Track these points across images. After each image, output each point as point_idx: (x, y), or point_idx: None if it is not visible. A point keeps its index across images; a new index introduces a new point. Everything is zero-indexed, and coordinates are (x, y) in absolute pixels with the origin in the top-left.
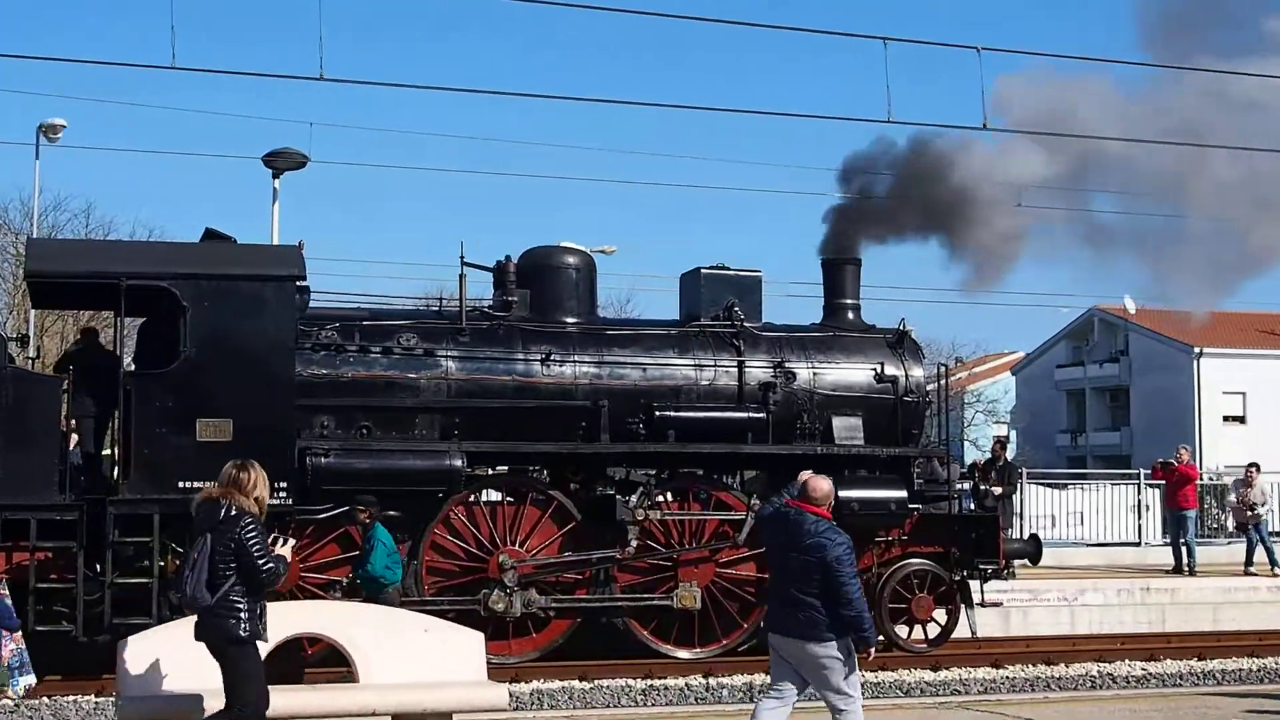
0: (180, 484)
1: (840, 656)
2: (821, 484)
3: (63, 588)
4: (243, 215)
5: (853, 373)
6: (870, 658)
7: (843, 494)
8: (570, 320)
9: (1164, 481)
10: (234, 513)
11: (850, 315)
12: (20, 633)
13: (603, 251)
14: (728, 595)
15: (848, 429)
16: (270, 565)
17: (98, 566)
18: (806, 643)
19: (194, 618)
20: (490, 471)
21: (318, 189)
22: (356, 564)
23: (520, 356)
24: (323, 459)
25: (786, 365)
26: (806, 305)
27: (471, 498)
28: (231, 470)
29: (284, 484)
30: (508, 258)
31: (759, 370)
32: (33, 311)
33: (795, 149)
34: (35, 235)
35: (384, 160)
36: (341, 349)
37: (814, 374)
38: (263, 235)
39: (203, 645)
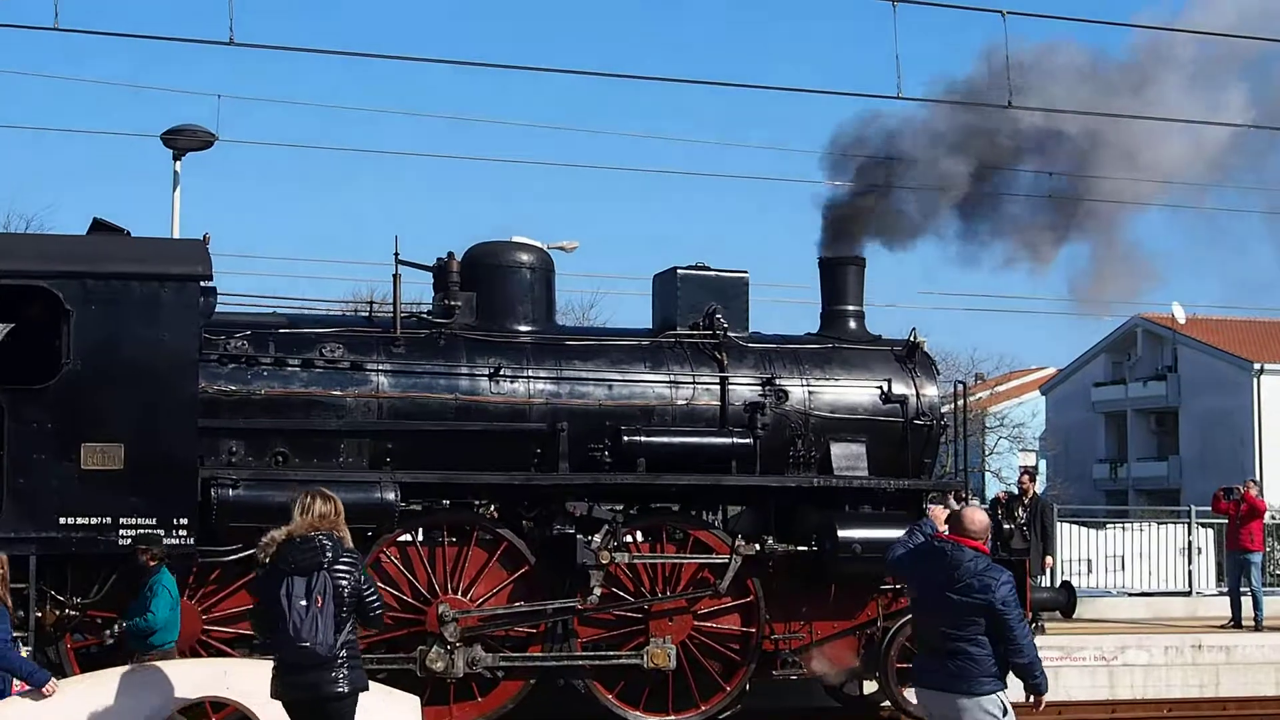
0: (61, 519)
1: (997, 714)
2: (979, 516)
3: None
4: (138, 204)
5: (855, 391)
6: (1042, 707)
7: (843, 534)
8: (523, 329)
9: (1225, 515)
10: (345, 548)
11: (852, 324)
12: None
13: (562, 248)
14: (707, 653)
15: (849, 457)
16: (381, 606)
17: None
18: (961, 696)
19: (131, 673)
20: (428, 506)
21: (227, 173)
22: (127, 612)
23: (464, 371)
24: (230, 491)
25: (777, 382)
26: (801, 312)
27: (406, 537)
28: (311, 501)
29: (184, 520)
30: (450, 255)
31: (745, 388)
32: None
33: (788, 129)
34: None
35: (305, 139)
36: (253, 361)
37: (809, 392)
38: (162, 227)
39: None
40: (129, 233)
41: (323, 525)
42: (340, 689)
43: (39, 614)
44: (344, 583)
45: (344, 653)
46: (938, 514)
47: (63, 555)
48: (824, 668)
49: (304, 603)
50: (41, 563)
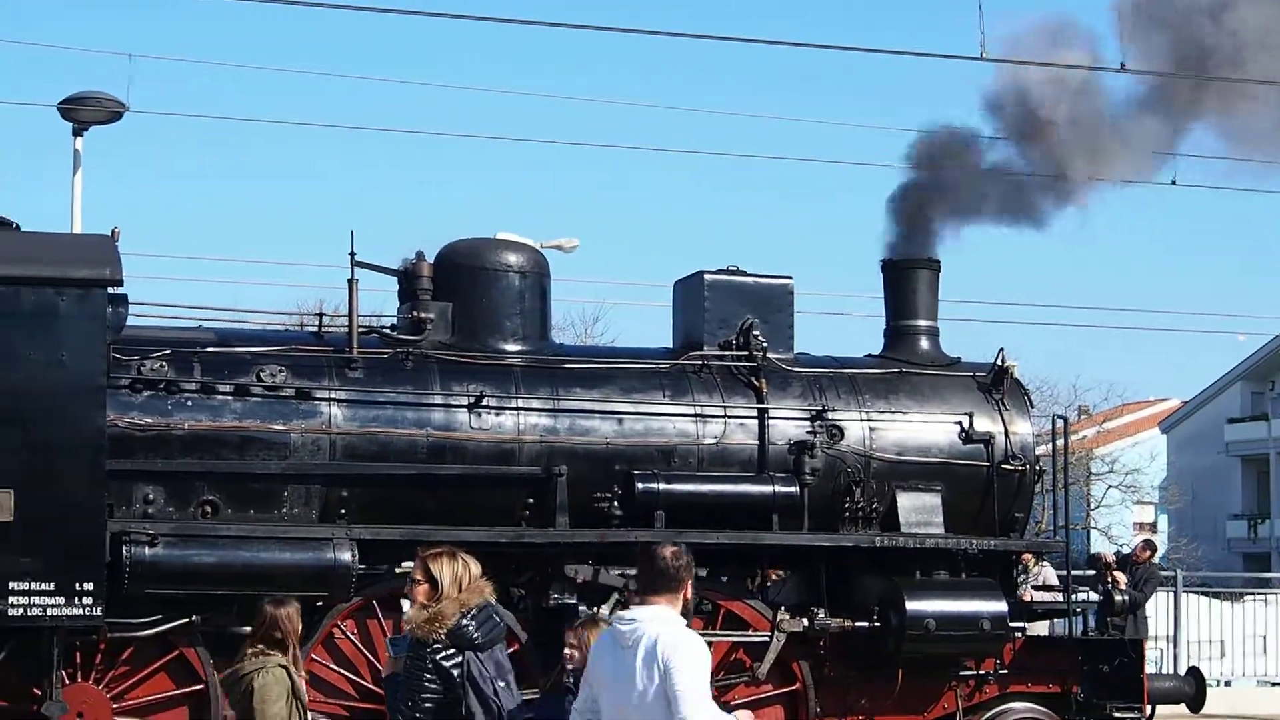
0: None
1: None
2: None
3: None
4: (28, 190)
5: (928, 428)
6: None
7: (913, 607)
8: (511, 348)
9: None
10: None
11: (924, 343)
12: None
13: (559, 247)
14: None
15: (920, 511)
16: None
17: None
18: None
19: None
20: (393, 569)
21: (140, 152)
22: None
23: (438, 401)
24: (147, 549)
25: (830, 416)
26: (859, 328)
27: (366, 607)
28: (465, 566)
29: (89, 585)
30: (419, 255)
31: (790, 423)
32: None
33: (847, 101)
34: None
35: (241, 111)
36: (175, 388)
37: (870, 429)
38: (59, 220)
39: None
40: (18, 226)
41: (486, 589)
42: None
43: None
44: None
45: None
46: None
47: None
48: None
49: (501, 684)
50: None
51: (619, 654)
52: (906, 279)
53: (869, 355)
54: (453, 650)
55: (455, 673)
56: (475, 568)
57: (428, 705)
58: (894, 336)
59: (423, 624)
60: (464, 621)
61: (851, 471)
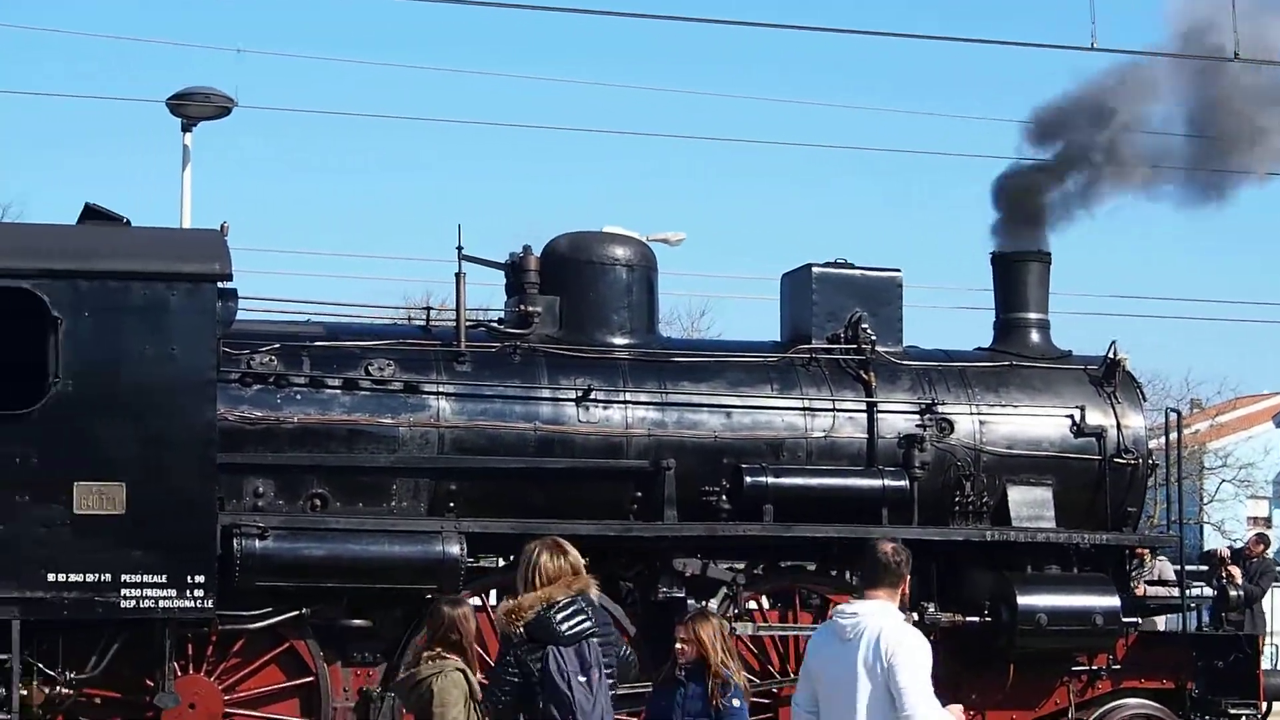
0: (50, 576)
1: None
2: None
3: None
4: (140, 186)
5: (1039, 421)
6: None
7: (1024, 601)
8: (619, 341)
9: None
10: (600, 609)
11: (1034, 336)
12: None
13: (665, 241)
14: None
15: (1031, 505)
16: (635, 660)
17: None
18: None
19: None
20: (501, 562)
21: (248, 147)
22: None
23: (546, 394)
24: (257, 542)
25: (940, 409)
26: (969, 321)
27: (474, 601)
28: (558, 558)
29: (200, 578)
30: (526, 249)
31: (899, 416)
32: None
33: (956, 93)
34: None
35: (348, 106)
36: (284, 381)
37: (980, 422)
38: (169, 215)
39: None
40: (129, 222)
41: (578, 583)
42: None
43: (24, 692)
44: (609, 649)
45: None
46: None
47: (52, 620)
48: None
49: (582, 679)
50: (26, 629)
51: (839, 648)
52: (1017, 272)
53: (979, 348)
54: (533, 643)
55: (535, 666)
56: (562, 560)
57: (505, 698)
58: (1004, 330)
59: (502, 616)
60: (546, 615)
61: (961, 465)
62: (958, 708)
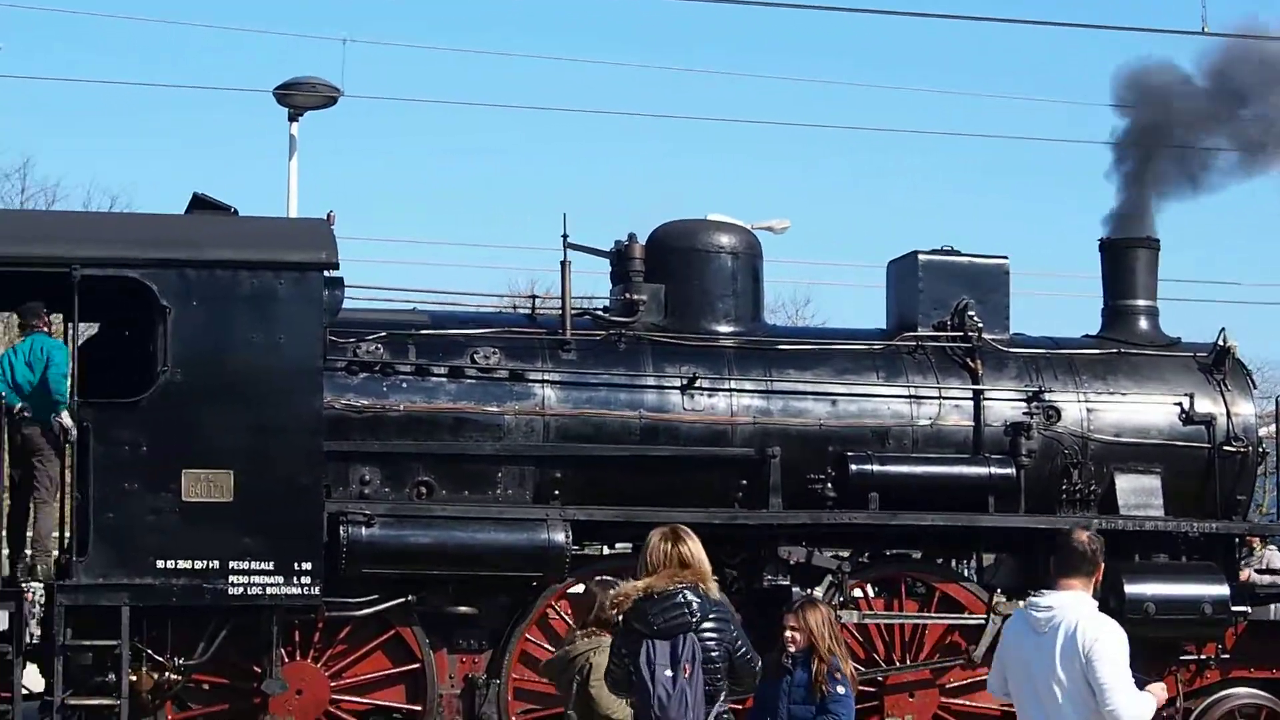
0: (159, 563)
1: None
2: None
3: None
4: (246, 175)
5: (1147, 409)
6: None
7: (1132, 590)
8: (724, 329)
9: None
10: (713, 601)
11: (1142, 323)
12: None
13: (770, 229)
14: None
15: (1139, 493)
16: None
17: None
18: None
19: None
20: (606, 550)
21: (354, 136)
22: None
23: (651, 382)
24: (364, 529)
25: (1047, 397)
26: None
27: (579, 588)
28: (671, 546)
29: (307, 565)
30: (632, 237)
31: (1006, 404)
32: None
33: (1064, 78)
34: None
35: (453, 94)
36: (390, 370)
37: (1088, 410)
38: (276, 205)
39: None
40: (236, 211)
41: (685, 575)
42: None
43: (133, 678)
44: (714, 645)
45: None
46: None
47: (162, 607)
48: None
49: (669, 673)
50: (136, 615)
51: (1036, 639)
52: (1125, 258)
53: (1086, 336)
54: (628, 633)
55: (627, 657)
56: (670, 547)
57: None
58: (1112, 316)
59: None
60: (641, 605)
61: (1069, 453)
62: (1159, 686)
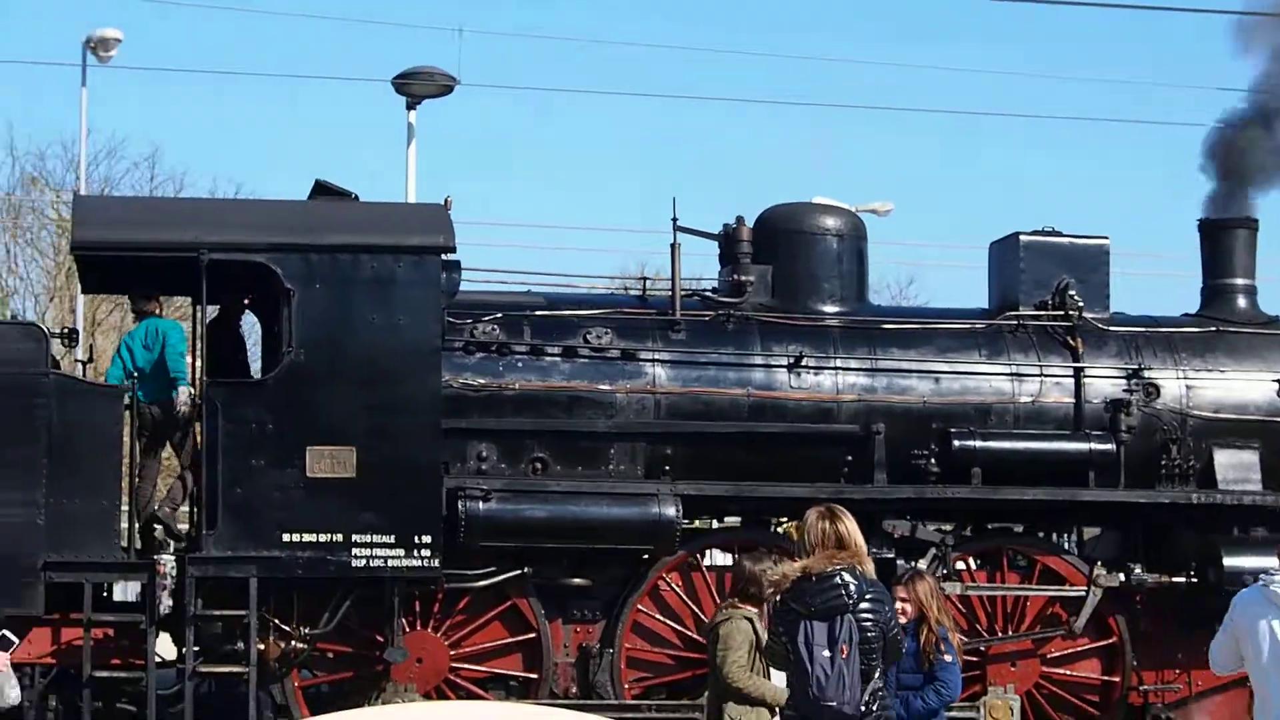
0: (285, 536)
1: None
2: None
3: (129, 677)
4: (365, 163)
5: (1245, 386)
6: None
7: (1230, 563)
8: (830, 309)
9: None
10: (869, 582)
11: (1241, 301)
12: None
13: (873, 211)
14: (1059, 706)
15: (1237, 468)
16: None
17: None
18: None
19: None
20: (715, 524)
21: (469, 125)
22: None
23: (759, 360)
24: (481, 504)
25: (1146, 374)
26: (1176, 287)
27: (690, 560)
28: (829, 526)
29: (427, 538)
30: (740, 220)
31: (1106, 381)
32: (81, 298)
33: (1165, 61)
34: (83, 192)
35: (566, 83)
36: (506, 350)
37: (1187, 387)
38: (395, 191)
39: None
40: (357, 197)
41: (842, 556)
42: None
43: (261, 646)
44: (870, 626)
45: (875, 707)
46: None
47: (288, 578)
48: None
49: (827, 654)
50: (263, 586)
51: (1273, 611)
52: (1224, 238)
53: (1185, 315)
54: (785, 613)
55: (784, 636)
56: (828, 526)
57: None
58: (1211, 295)
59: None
60: (800, 586)
61: (1168, 429)
62: None
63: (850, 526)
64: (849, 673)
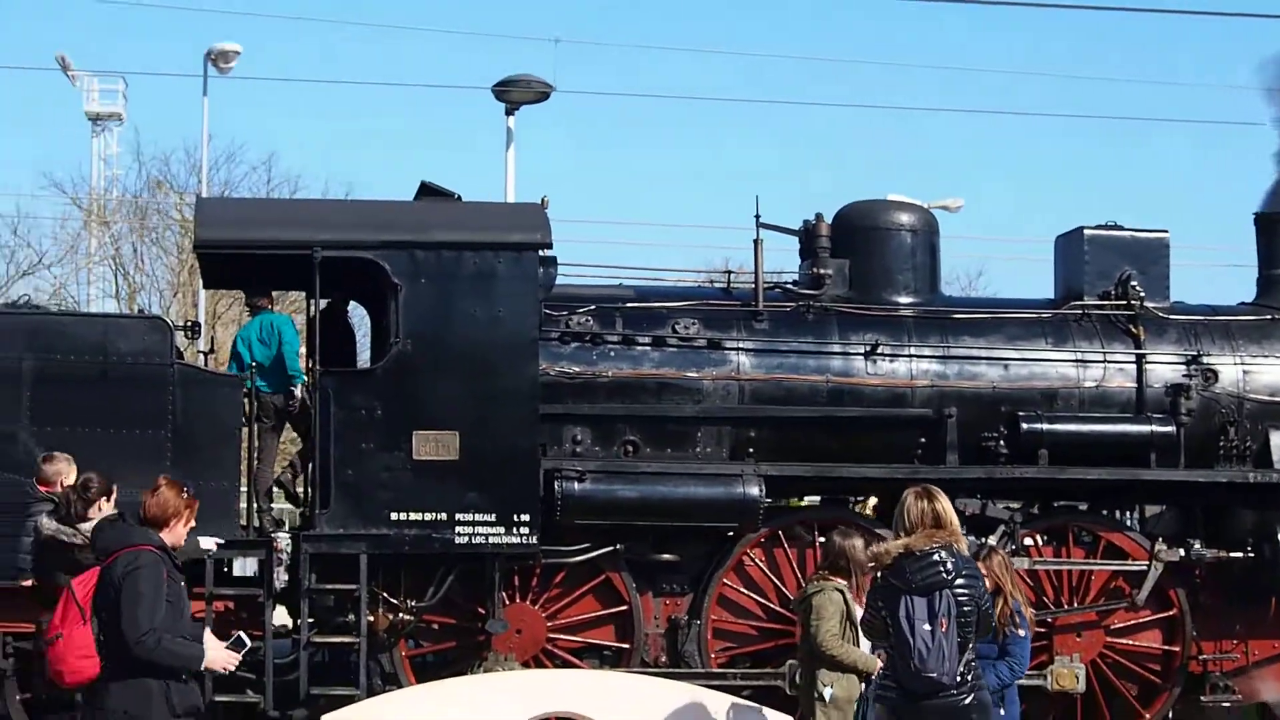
0: (393, 515)
1: None
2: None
3: (250, 646)
4: (467, 165)
5: None
6: None
7: None
8: (904, 300)
9: None
10: (964, 558)
11: None
12: None
13: (945, 208)
14: (1122, 674)
15: None
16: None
17: (293, 621)
18: None
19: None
20: (796, 503)
21: (565, 129)
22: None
23: (837, 349)
24: (576, 484)
25: (1205, 360)
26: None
27: (773, 537)
28: (927, 505)
29: (525, 517)
30: (819, 217)
31: (1166, 367)
32: (203, 293)
33: (1226, 59)
34: (204, 194)
35: (654, 88)
36: (599, 339)
37: (1244, 372)
38: (494, 191)
39: None
40: (459, 197)
41: (940, 535)
42: (973, 716)
43: (371, 618)
44: (966, 600)
45: (970, 677)
46: None
47: (395, 555)
48: (1268, 693)
49: (927, 628)
50: (373, 562)
51: None
52: (1278, 230)
53: (1242, 303)
54: (885, 588)
55: (884, 610)
56: (925, 505)
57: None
58: (1266, 285)
59: (868, 561)
60: (901, 563)
61: (1225, 412)
62: None
63: (945, 505)
64: (948, 645)
